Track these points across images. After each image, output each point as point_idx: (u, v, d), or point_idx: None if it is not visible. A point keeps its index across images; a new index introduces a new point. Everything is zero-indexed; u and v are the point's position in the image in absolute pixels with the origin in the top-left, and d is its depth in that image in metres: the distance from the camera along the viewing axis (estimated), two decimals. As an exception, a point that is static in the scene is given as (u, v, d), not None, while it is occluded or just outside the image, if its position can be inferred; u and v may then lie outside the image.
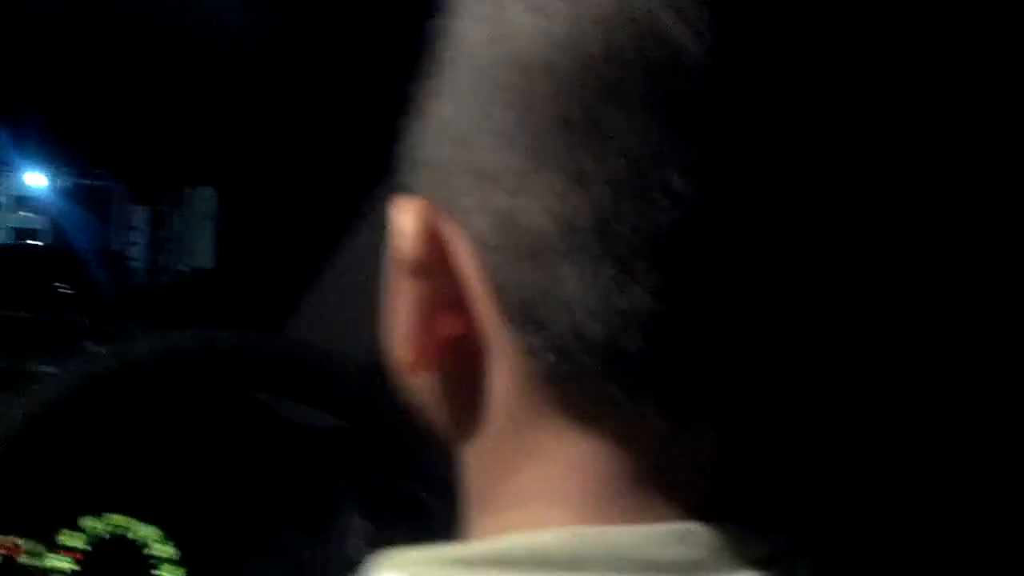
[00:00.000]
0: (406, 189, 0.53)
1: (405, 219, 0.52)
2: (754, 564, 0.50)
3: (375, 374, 1.00)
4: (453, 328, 0.52)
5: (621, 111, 0.47)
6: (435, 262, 0.51)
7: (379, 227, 0.55)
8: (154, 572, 1.10)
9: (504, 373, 0.52)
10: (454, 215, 0.51)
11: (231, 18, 1.97)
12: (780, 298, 0.50)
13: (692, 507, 0.51)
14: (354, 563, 0.52)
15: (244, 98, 2.32)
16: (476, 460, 0.54)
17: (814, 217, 0.50)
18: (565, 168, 0.47)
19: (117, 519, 1.10)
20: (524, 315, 0.50)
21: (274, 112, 2.34)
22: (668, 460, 0.51)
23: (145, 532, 1.11)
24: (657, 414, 0.49)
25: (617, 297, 0.47)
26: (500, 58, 0.49)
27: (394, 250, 0.52)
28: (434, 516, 1.01)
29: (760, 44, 0.48)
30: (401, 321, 0.53)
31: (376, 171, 1.15)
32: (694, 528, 0.50)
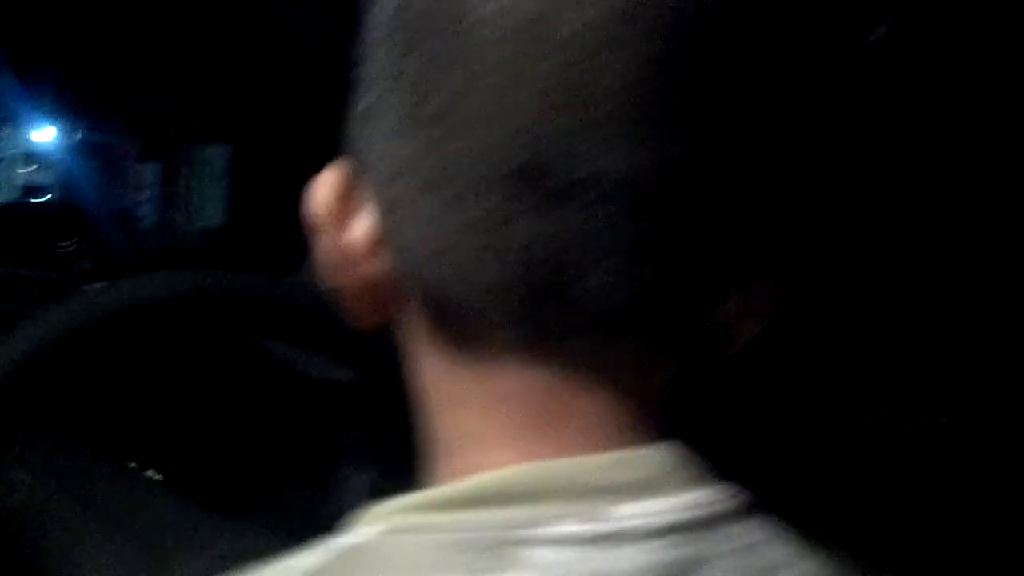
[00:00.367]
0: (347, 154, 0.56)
1: (326, 175, 0.56)
2: (707, 482, 0.54)
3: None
4: (370, 275, 0.55)
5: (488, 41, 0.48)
6: (344, 213, 0.55)
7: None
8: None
9: (423, 319, 0.55)
10: (363, 166, 0.54)
11: None
12: (727, 224, 0.51)
13: (643, 431, 0.55)
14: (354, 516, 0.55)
15: (258, 52, 2.28)
16: (425, 403, 0.57)
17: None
18: (440, 108, 0.49)
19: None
20: (418, 257, 0.52)
21: (288, 67, 2.29)
22: (618, 388, 0.54)
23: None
24: (595, 346, 0.52)
25: (522, 230, 0.49)
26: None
27: (310, 205, 0.56)
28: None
29: None
30: (327, 271, 0.56)
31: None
32: (645, 452, 0.53)
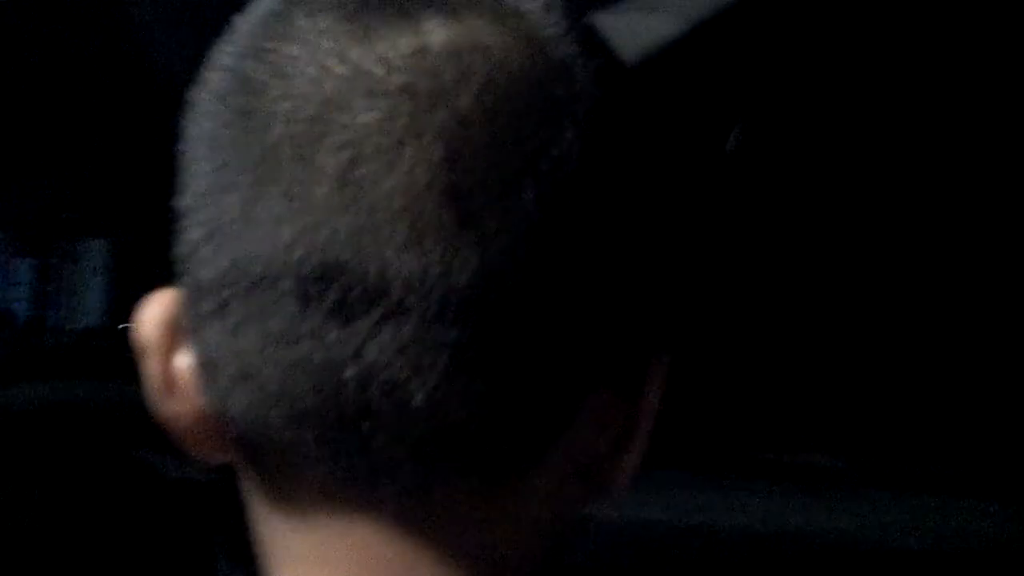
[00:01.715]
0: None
1: (156, 297, 0.53)
2: None
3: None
4: (197, 410, 0.51)
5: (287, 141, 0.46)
6: (170, 340, 0.52)
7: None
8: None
9: (243, 461, 0.51)
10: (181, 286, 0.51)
11: (121, 61, 1.89)
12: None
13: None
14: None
15: (140, 143, 2.20)
16: (264, 556, 0.53)
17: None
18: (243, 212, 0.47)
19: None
20: (225, 382, 0.48)
21: (173, 157, 2.22)
22: (452, 546, 0.49)
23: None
24: (421, 488, 0.48)
25: (310, 347, 0.46)
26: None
27: (137, 329, 0.53)
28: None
29: None
30: (153, 400, 0.52)
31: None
32: None
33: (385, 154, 0.45)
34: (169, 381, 0.52)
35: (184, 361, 0.51)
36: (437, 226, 0.45)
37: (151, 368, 0.52)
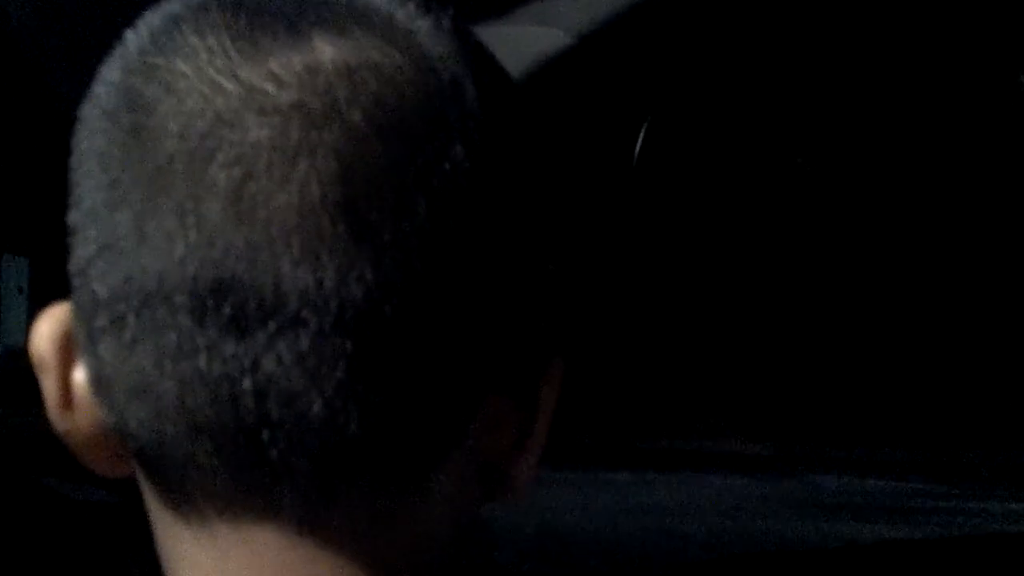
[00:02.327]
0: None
1: (51, 311, 0.52)
2: None
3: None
4: (94, 425, 0.51)
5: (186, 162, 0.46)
6: (66, 354, 0.51)
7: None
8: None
9: (142, 476, 0.51)
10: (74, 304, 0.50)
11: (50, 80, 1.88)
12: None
13: None
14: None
15: (57, 161, 2.19)
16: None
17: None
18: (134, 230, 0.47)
19: None
20: (119, 397, 0.49)
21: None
22: (350, 553, 0.49)
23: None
24: (321, 497, 0.48)
25: (202, 363, 0.46)
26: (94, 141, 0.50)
27: (31, 344, 0.52)
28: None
29: None
30: (51, 416, 0.52)
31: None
32: None
33: (278, 169, 0.46)
34: (66, 396, 0.51)
35: (80, 376, 0.51)
36: (332, 240, 0.46)
37: (47, 384, 0.52)
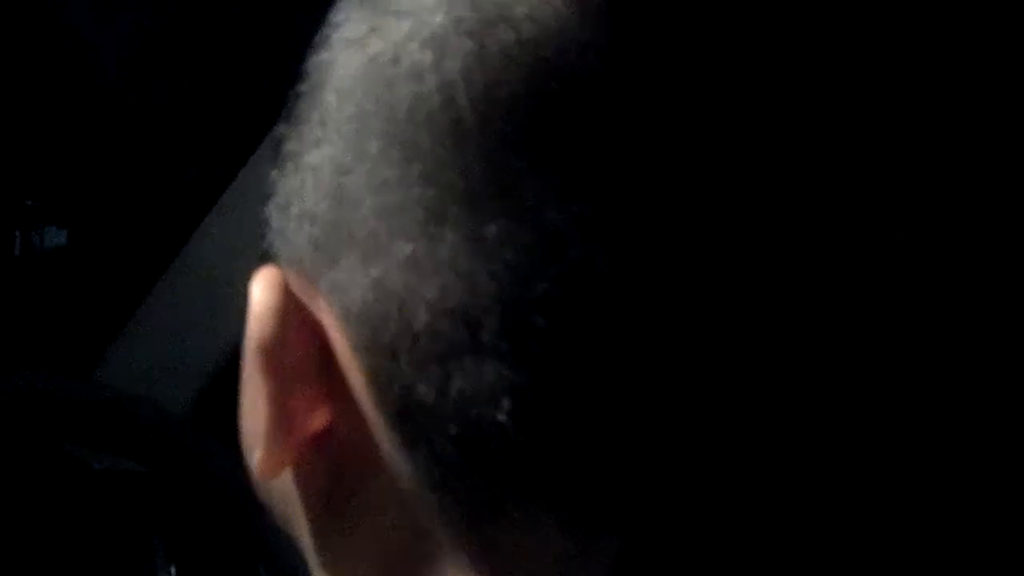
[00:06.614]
0: (271, 256, 0.45)
1: (260, 292, 0.44)
2: None
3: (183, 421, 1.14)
4: (318, 425, 0.43)
5: (525, 164, 0.39)
6: (294, 343, 0.43)
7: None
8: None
9: (385, 482, 0.43)
10: (322, 288, 0.43)
11: (83, 47, 1.93)
12: (695, 388, 0.41)
13: None
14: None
15: (97, 135, 2.26)
16: None
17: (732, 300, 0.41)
18: (464, 238, 0.40)
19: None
20: (407, 412, 0.41)
21: (129, 148, 2.28)
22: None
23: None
24: (555, 527, 0.41)
25: (513, 392, 0.40)
26: (378, 97, 0.41)
27: (248, 331, 0.44)
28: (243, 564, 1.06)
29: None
30: (256, 419, 0.44)
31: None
32: None
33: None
34: (307, 386, 0.43)
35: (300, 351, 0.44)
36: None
37: (279, 372, 0.43)
